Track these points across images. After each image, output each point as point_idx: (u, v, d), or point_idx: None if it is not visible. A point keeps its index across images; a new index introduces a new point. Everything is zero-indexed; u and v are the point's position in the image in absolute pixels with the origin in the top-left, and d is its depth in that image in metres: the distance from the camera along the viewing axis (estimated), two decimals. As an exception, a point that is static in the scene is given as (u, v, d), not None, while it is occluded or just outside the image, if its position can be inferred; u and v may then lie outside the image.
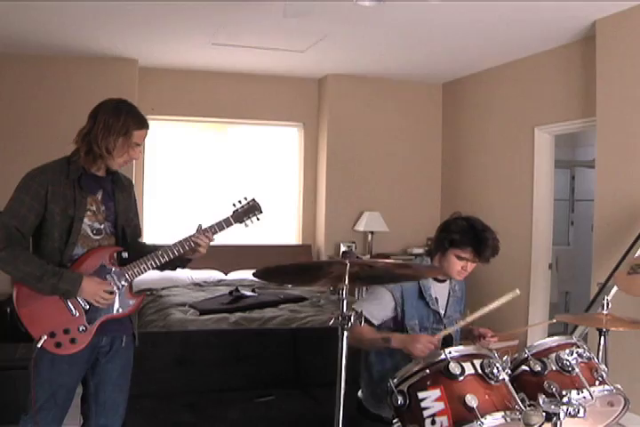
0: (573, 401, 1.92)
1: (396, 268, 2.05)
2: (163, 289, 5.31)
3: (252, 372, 3.42)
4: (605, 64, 4.19)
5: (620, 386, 2.07)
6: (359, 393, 2.59)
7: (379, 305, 2.46)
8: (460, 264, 2.46)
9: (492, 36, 4.76)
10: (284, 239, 6.64)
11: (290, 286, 5.68)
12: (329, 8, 4.07)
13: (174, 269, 2.48)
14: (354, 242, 6.38)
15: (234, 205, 2.44)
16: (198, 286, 5.61)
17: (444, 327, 2.58)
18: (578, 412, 1.90)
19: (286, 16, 3.66)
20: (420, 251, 5.93)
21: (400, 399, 1.88)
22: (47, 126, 5.39)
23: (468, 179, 6.24)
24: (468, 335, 2.62)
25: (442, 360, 1.88)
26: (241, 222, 2.44)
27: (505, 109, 5.65)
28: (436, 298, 2.54)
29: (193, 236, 2.34)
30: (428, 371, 1.88)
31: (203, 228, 2.37)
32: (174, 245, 2.32)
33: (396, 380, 1.93)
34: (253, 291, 5.21)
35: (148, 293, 5.21)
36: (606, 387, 2.04)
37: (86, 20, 4.54)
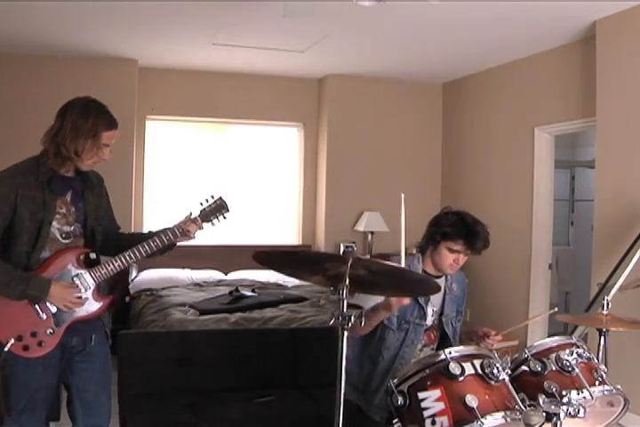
0: (573, 401, 1.92)
1: (395, 273, 1.98)
2: (163, 289, 5.31)
3: (252, 372, 3.42)
4: (605, 64, 4.19)
5: (619, 386, 2.07)
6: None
7: (372, 299, 2.43)
8: (451, 257, 2.48)
9: (493, 36, 4.76)
10: (284, 239, 6.64)
11: (288, 285, 5.69)
12: (329, 8, 4.07)
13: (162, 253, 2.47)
14: (354, 242, 6.38)
15: (201, 204, 2.44)
16: (198, 286, 5.61)
17: (441, 326, 2.57)
18: (578, 412, 1.90)
19: (286, 16, 3.67)
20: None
21: (400, 400, 1.87)
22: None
23: (468, 179, 6.24)
24: (471, 336, 2.61)
25: (442, 360, 1.88)
26: (208, 222, 2.44)
27: (505, 109, 5.65)
28: None
29: (160, 237, 2.34)
30: (428, 371, 1.88)
31: (170, 228, 2.38)
32: (142, 246, 2.31)
33: (396, 380, 1.93)
34: (253, 291, 5.21)
35: (148, 293, 5.21)
36: (606, 387, 2.04)
37: (86, 21, 4.54)
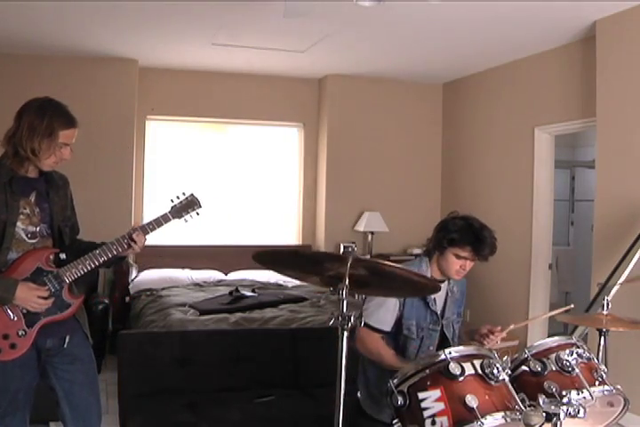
0: (573, 401, 1.92)
1: (396, 273, 2.00)
2: (163, 289, 5.31)
3: (252, 372, 3.42)
4: (605, 64, 4.19)
5: (619, 386, 2.07)
6: (358, 394, 2.59)
7: (385, 309, 2.45)
8: (458, 263, 2.46)
9: (492, 36, 4.76)
10: (283, 239, 6.64)
11: (288, 285, 5.70)
12: (329, 8, 4.07)
13: (108, 266, 2.44)
14: (354, 242, 6.37)
15: (172, 200, 2.41)
16: (198, 286, 5.61)
17: (442, 328, 2.58)
18: (578, 412, 1.90)
19: (286, 16, 3.66)
20: (420, 251, 5.93)
21: (400, 400, 1.87)
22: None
23: (468, 179, 6.24)
24: (474, 335, 2.61)
25: (442, 361, 1.88)
26: (180, 218, 2.41)
27: (505, 109, 5.65)
28: (434, 299, 2.54)
29: (130, 233, 2.31)
30: (428, 371, 1.87)
31: (140, 225, 2.35)
32: (112, 243, 2.29)
33: (396, 380, 1.92)
34: (253, 291, 5.21)
35: (148, 293, 5.21)
36: (606, 387, 2.04)
37: (86, 21, 4.55)
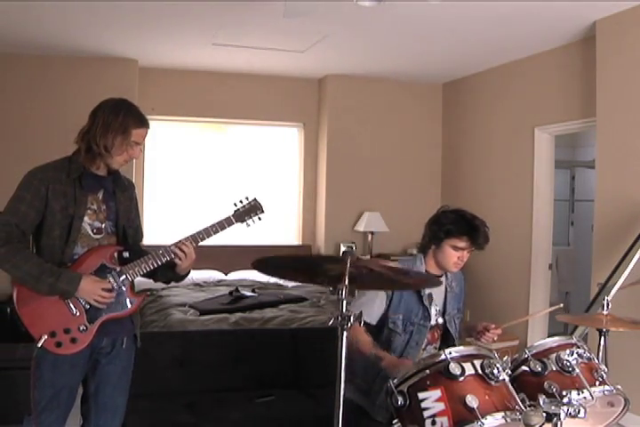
0: (574, 402, 1.92)
1: (395, 274, 2.02)
2: (163, 289, 5.31)
3: (252, 372, 3.42)
4: (605, 64, 4.19)
5: (620, 386, 2.07)
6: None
7: (372, 302, 2.47)
8: (456, 255, 2.49)
9: (492, 37, 4.76)
10: (284, 239, 6.64)
11: (288, 285, 5.70)
12: (329, 8, 4.07)
13: (167, 281, 2.50)
14: (354, 242, 6.37)
15: (235, 204, 2.45)
16: (198, 286, 5.61)
17: (445, 324, 2.58)
18: (578, 412, 1.90)
19: (286, 16, 3.66)
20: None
21: (400, 400, 1.87)
22: (48, 127, 5.38)
23: (469, 179, 6.24)
24: (471, 332, 2.62)
25: (442, 361, 1.88)
26: (242, 222, 2.46)
27: (505, 110, 5.65)
28: (429, 294, 2.54)
29: (193, 235, 2.36)
30: (428, 371, 1.87)
31: (204, 227, 2.38)
32: (174, 245, 2.33)
33: (396, 380, 1.92)
34: (253, 291, 5.21)
35: (149, 293, 5.21)
36: (606, 387, 2.04)
37: (87, 21, 4.54)
